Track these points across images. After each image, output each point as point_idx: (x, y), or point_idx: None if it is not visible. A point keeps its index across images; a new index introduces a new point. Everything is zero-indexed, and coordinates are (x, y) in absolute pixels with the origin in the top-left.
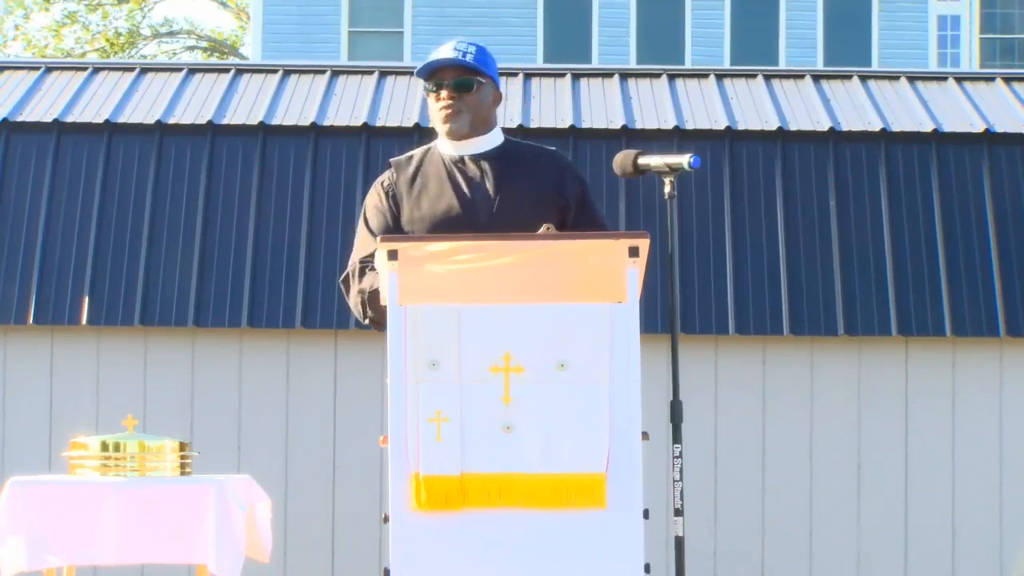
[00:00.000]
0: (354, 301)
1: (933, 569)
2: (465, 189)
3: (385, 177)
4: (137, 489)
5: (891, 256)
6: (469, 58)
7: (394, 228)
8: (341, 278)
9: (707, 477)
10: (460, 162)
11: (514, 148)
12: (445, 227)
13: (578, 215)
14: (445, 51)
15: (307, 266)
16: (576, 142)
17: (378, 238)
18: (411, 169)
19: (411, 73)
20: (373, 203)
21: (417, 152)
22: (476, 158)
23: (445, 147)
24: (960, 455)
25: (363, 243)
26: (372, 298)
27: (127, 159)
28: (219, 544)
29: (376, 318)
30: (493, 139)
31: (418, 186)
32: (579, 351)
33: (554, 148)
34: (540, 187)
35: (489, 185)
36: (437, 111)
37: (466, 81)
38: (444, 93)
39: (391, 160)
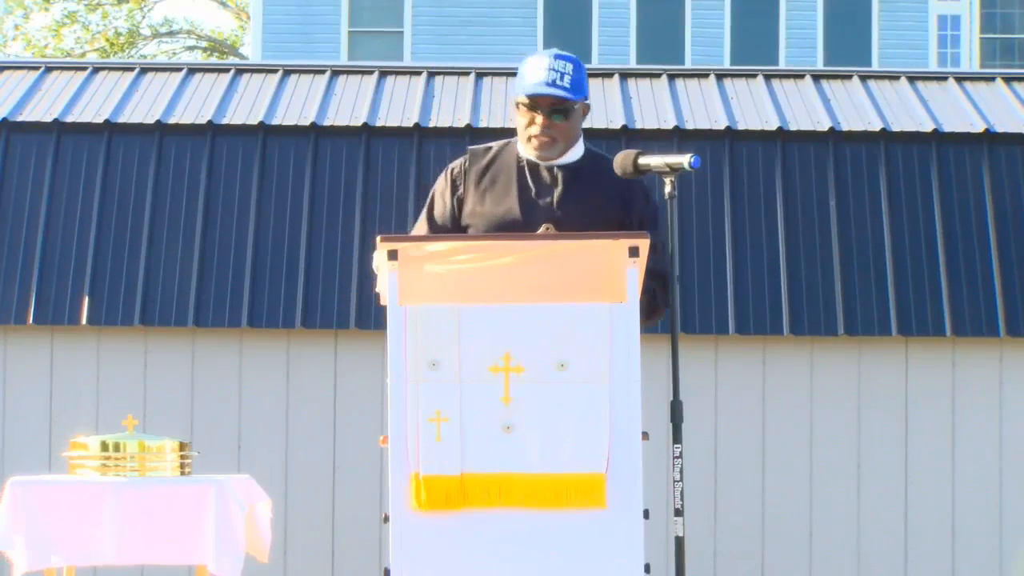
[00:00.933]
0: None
1: (933, 569)
2: (532, 194)
3: (457, 164)
4: (137, 489)
5: (891, 256)
6: (566, 82)
7: (452, 218)
8: (375, 264)
9: (707, 477)
10: (534, 167)
11: (592, 161)
12: (503, 229)
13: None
14: (541, 68)
15: (307, 266)
16: None
17: (379, 238)
18: (484, 161)
19: (411, 73)
20: (440, 189)
21: (496, 145)
22: (551, 167)
23: (524, 150)
24: (960, 455)
25: (419, 227)
26: None
27: (127, 159)
28: (219, 544)
29: None
30: (575, 152)
31: (486, 182)
32: (579, 351)
33: None
34: (606, 204)
35: (556, 195)
36: (528, 133)
37: (562, 110)
38: (540, 119)
39: (469, 148)
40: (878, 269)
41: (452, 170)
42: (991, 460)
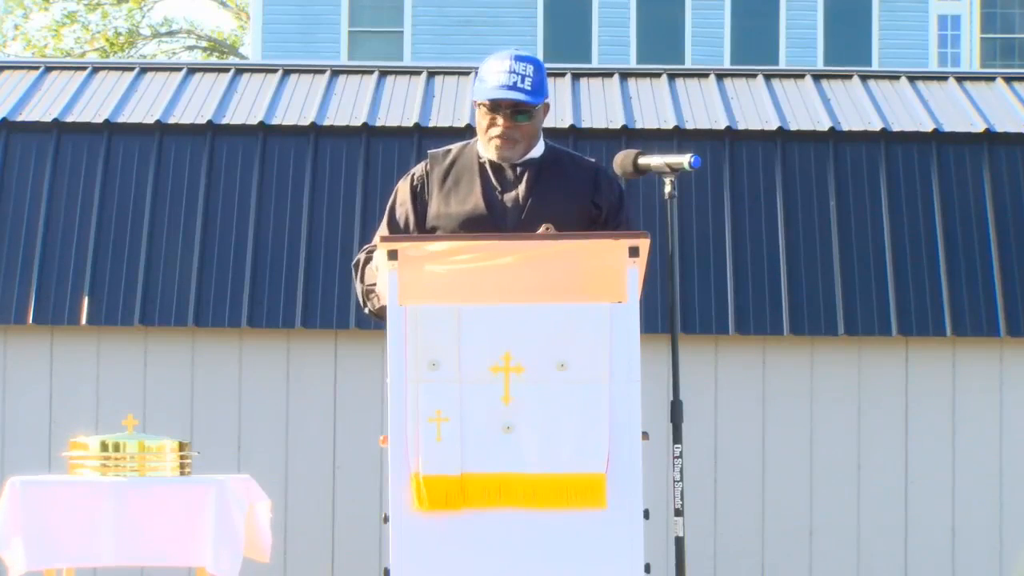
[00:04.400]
0: (360, 290)
1: (933, 569)
2: (496, 192)
3: (418, 169)
4: (137, 489)
5: (891, 256)
6: (527, 84)
7: (415, 225)
8: (353, 262)
9: (707, 477)
10: (496, 165)
11: (554, 157)
12: (470, 228)
13: (606, 223)
14: (501, 70)
15: (307, 266)
16: (576, 142)
17: (378, 237)
18: (446, 164)
19: (411, 73)
20: (401, 197)
21: (456, 147)
22: (513, 164)
23: (485, 150)
24: (960, 455)
25: (382, 233)
26: (370, 291)
27: (127, 159)
28: (219, 544)
29: (376, 312)
30: (536, 151)
31: (449, 183)
32: (579, 351)
33: (594, 159)
34: (573, 198)
35: (521, 191)
36: (489, 135)
37: (524, 111)
38: (501, 121)
39: (429, 152)
40: (878, 269)
41: (414, 176)
42: (991, 460)
